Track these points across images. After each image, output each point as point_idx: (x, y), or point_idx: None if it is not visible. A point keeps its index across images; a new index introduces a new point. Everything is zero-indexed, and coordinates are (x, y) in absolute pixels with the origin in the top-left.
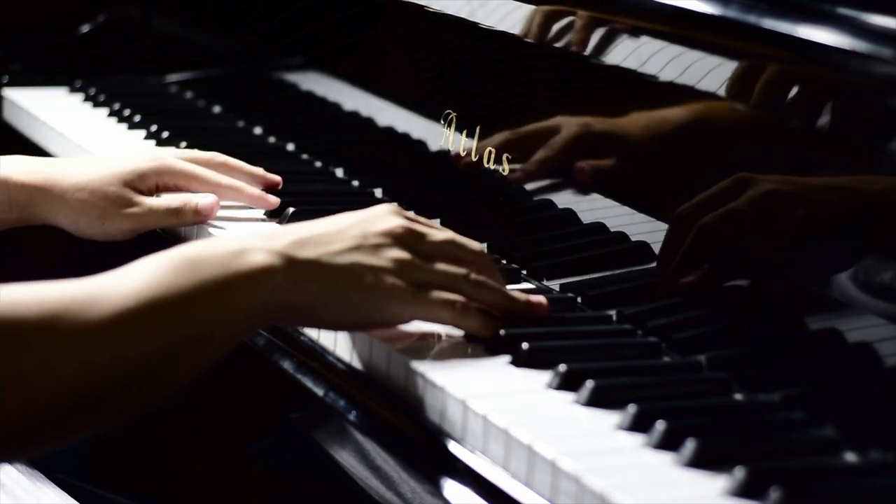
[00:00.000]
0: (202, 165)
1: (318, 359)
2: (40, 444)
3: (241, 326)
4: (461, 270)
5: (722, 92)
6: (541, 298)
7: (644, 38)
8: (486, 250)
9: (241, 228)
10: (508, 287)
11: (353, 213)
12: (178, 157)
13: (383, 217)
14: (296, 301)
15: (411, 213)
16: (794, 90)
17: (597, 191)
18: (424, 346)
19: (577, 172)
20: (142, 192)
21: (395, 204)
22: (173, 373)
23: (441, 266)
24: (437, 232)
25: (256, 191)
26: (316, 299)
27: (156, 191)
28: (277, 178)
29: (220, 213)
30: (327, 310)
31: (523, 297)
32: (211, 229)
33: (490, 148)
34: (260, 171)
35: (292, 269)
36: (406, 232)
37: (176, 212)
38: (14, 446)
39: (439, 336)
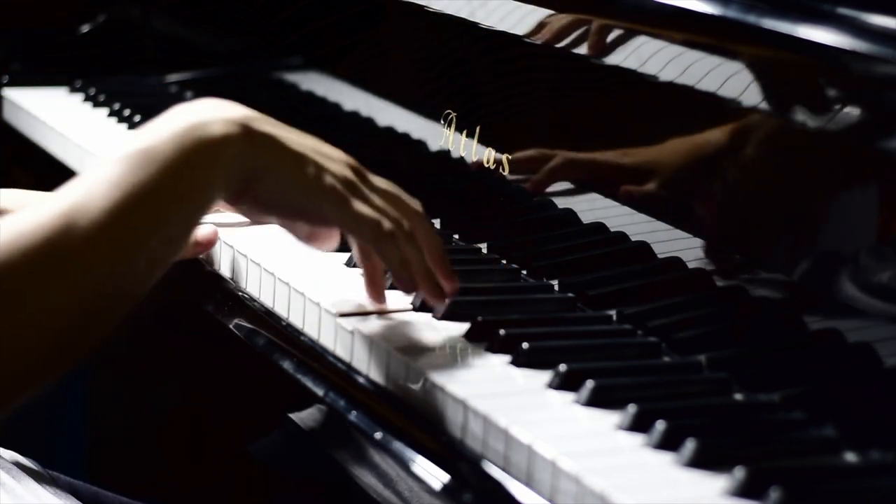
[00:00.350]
0: None
1: (318, 359)
2: (47, 373)
3: (208, 199)
4: (397, 213)
5: (722, 92)
6: (456, 286)
7: (644, 38)
8: (424, 214)
9: (235, 231)
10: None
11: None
12: None
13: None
14: (247, 171)
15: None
16: (794, 90)
17: (597, 191)
18: (424, 347)
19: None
20: None
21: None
22: (157, 263)
23: (381, 200)
24: (381, 179)
25: None
26: (263, 172)
27: None
28: None
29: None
30: (269, 187)
31: (445, 270)
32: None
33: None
34: None
35: (248, 138)
36: (356, 164)
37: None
38: (23, 382)
39: (446, 347)
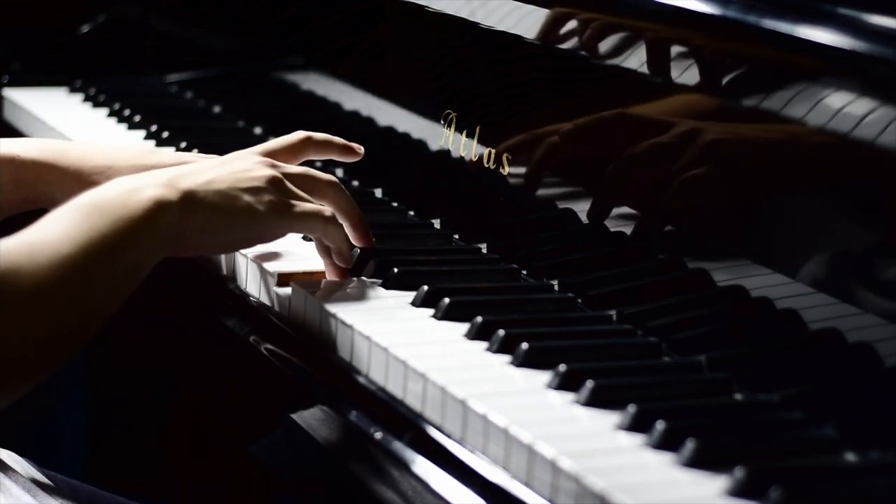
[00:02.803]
0: (285, 153)
1: (318, 359)
2: (10, 391)
3: (155, 252)
4: (318, 206)
5: (722, 92)
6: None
7: (644, 39)
8: (338, 182)
9: None
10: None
11: (214, 156)
12: (258, 153)
13: (246, 153)
14: (187, 228)
15: (263, 147)
16: (794, 90)
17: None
18: (424, 347)
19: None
20: None
21: (252, 148)
22: (112, 299)
23: (303, 187)
24: (292, 167)
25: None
26: (204, 224)
27: None
28: (360, 147)
29: None
30: (215, 233)
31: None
32: None
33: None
34: (340, 141)
35: (181, 198)
36: (269, 161)
37: None
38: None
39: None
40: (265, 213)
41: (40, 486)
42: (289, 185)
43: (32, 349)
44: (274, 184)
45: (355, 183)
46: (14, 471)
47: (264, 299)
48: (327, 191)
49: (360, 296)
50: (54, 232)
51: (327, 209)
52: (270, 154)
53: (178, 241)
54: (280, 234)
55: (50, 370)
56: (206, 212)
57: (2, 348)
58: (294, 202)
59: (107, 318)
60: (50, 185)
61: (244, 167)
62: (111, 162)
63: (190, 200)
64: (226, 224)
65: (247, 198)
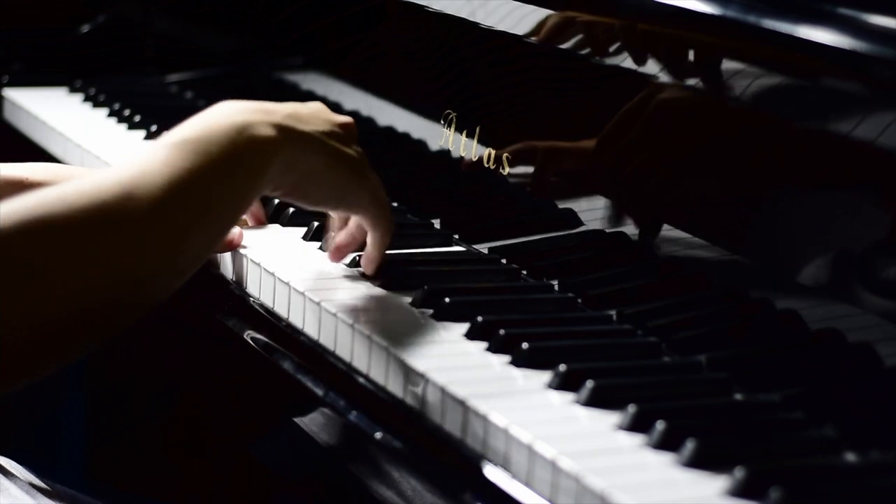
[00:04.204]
0: None
1: (317, 359)
2: (59, 353)
3: (252, 195)
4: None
5: (722, 92)
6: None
7: (644, 39)
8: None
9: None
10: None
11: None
12: None
13: (331, 112)
14: (296, 171)
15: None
16: (794, 90)
17: (597, 191)
18: (424, 347)
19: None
20: None
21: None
22: (205, 243)
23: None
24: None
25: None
26: (311, 172)
27: None
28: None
29: None
30: (317, 184)
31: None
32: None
33: (496, 152)
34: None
35: (295, 141)
36: (353, 128)
37: None
38: (32, 358)
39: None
40: (359, 185)
41: (39, 490)
42: (357, 154)
43: (81, 310)
44: (362, 161)
45: None
46: (13, 475)
47: (266, 300)
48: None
49: (358, 296)
50: (153, 172)
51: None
52: None
53: (285, 182)
54: (357, 211)
55: (163, 294)
56: (315, 160)
57: (54, 303)
58: (372, 183)
59: (203, 258)
60: None
61: (339, 130)
62: None
63: (303, 144)
64: (328, 180)
65: (349, 164)
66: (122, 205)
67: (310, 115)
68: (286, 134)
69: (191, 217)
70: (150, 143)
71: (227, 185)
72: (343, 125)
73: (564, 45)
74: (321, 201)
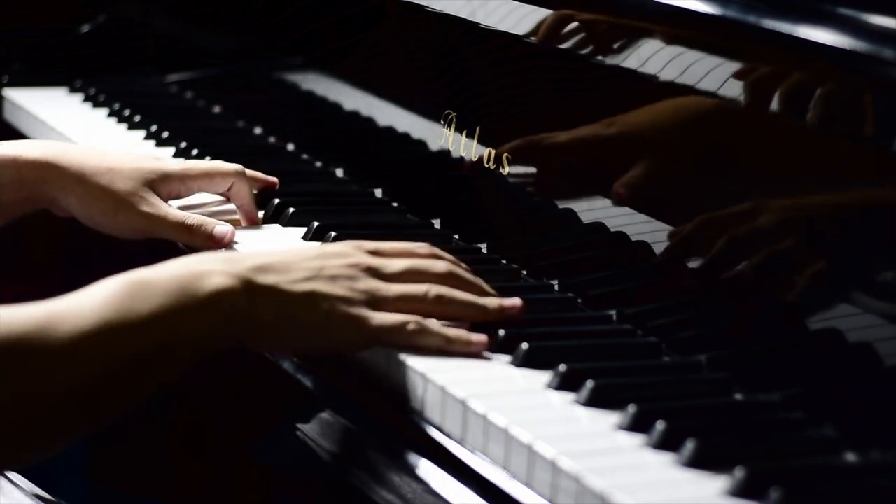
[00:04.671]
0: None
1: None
2: (4, 461)
3: (199, 346)
4: (420, 289)
5: (722, 92)
6: (515, 301)
7: (644, 38)
8: (454, 266)
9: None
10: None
11: (314, 246)
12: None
13: (343, 250)
14: (253, 325)
15: (373, 244)
16: (794, 90)
17: (597, 191)
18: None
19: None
20: (160, 196)
21: (359, 242)
22: (135, 389)
23: (399, 288)
24: (396, 261)
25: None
26: (272, 324)
27: (174, 197)
28: (274, 179)
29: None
30: (283, 335)
31: (495, 302)
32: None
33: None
34: (260, 175)
35: (251, 293)
36: (364, 263)
37: (188, 229)
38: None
39: None
40: (339, 325)
41: (43, 501)
42: (380, 280)
43: (32, 423)
44: (359, 293)
45: (355, 183)
46: (18, 485)
47: None
48: (437, 280)
49: None
50: (86, 304)
51: (412, 322)
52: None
53: (235, 339)
54: (357, 350)
55: (46, 449)
56: (276, 311)
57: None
58: (373, 312)
59: (126, 407)
60: (51, 184)
61: (330, 271)
62: (112, 164)
63: (260, 296)
64: (296, 330)
65: (324, 306)
66: (39, 335)
67: (292, 262)
68: (245, 284)
69: (121, 356)
70: (102, 281)
71: (163, 331)
72: (348, 263)
73: (564, 45)
74: (290, 350)
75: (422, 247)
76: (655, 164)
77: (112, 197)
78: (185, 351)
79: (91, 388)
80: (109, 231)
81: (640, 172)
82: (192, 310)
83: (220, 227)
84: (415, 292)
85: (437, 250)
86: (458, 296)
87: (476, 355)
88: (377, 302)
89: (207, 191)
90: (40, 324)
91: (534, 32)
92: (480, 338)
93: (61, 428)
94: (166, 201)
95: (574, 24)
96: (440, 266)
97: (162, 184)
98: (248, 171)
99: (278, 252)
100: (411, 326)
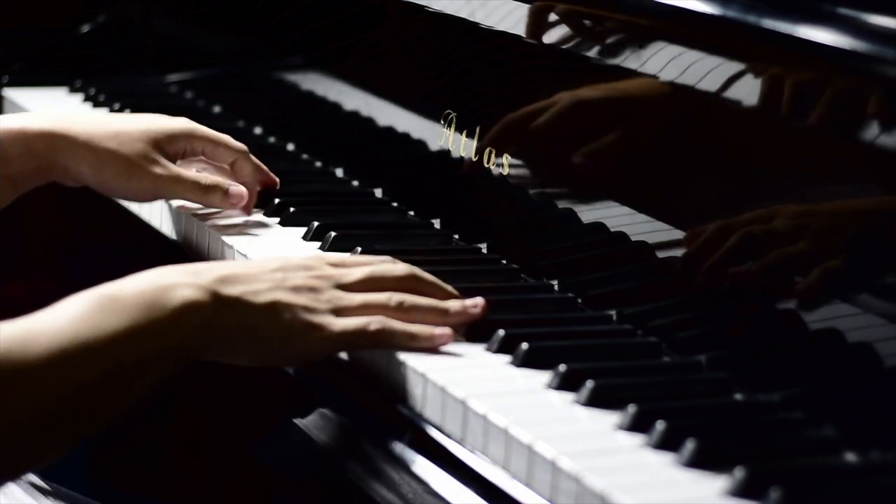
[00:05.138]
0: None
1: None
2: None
3: (171, 357)
4: (381, 296)
5: (722, 92)
6: (477, 300)
7: (644, 38)
8: (414, 271)
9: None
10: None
11: (278, 257)
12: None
13: (305, 262)
14: (218, 336)
15: (336, 257)
16: (794, 90)
17: (597, 190)
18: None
19: (576, 167)
20: (168, 156)
21: (322, 254)
22: (112, 402)
23: (361, 297)
24: (356, 269)
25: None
26: (237, 336)
27: (180, 157)
28: (276, 179)
29: (224, 220)
30: (247, 347)
31: (457, 304)
32: (224, 237)
33: (490, 147)
34: (263, 166)
35: (217, 304)
36: (326, 274)
37: (204, 189)
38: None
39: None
40: (301, 333)
41: (40, 490)
42: (337, 289)
43: (12, 441)
44: (320, 301)
45: (355, 183)
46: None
47: None
48: (396, 286)
49: None
50: (59, 320)
51: (374, 323)
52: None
53: (202, 350)
54: (321, 356)
55: (27, 466)
56: (239, 322)
57: None
58: (333, 317)
59: (107, 420)
60: (61, 152)
61: (291, 281)
62: (120, 128)
63: (225, 307)
64: (259, 341)
65: (287, 315)
66: (17, 353)
67: (256, 273)
68: (211, 296)
69: (92, 373)
70: (73, 296)
71: (135, 345)
72: (309, 274)
73: (564, 45)
74: (253, 361)
75: (383, 258)
76: (654, 164)
77: (123, 160)
78: (159, 363)
79: (68, 403)
80: (123, 195)
81: (639, 171)
82: (162, 323)
83: (235, 188)
84: (376, 300)
85: (395, 260)
86: (421, 301)
87: (443, 347)
88: (340, 311)
89: (211, 158)
90: (17, 341)
91: (533, 32)
92: (444, 331)
93: (40, 444)
94: (174, 161)
95: (574, 24)
96: (400, 269)
97: (169, 143)
98: (254, 158)
99: (241, 263)
100: (373, 327)
